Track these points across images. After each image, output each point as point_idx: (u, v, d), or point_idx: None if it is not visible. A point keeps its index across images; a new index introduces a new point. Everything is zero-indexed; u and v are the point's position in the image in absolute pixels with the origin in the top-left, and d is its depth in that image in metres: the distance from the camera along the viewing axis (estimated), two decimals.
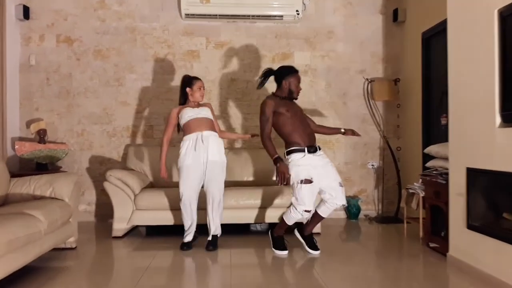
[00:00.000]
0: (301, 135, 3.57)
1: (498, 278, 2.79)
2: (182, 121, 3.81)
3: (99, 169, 5.08)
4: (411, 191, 4.11)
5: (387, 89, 5.12)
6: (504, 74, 2.74)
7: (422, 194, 3.94)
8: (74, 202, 3.71)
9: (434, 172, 3.77)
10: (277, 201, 4.20)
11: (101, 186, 4.96)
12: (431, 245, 3.79)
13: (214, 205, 3.73)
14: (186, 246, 3.74)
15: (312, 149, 3.57)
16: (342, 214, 5.23)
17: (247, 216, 4.23)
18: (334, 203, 3.55)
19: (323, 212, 3.66)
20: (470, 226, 3.14)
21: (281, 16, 5.07)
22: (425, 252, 3.78)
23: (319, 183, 3.51)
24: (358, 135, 3.93)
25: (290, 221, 3.64)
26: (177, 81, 5.11)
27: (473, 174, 3.10)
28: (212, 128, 3.82)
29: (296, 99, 3.74)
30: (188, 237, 3.78)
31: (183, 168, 3.70)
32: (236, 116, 5.21)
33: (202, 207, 3.83)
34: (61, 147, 4.87)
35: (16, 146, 4.65)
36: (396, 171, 5.14)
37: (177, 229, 4.14)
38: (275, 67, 5.15)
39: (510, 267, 2.70)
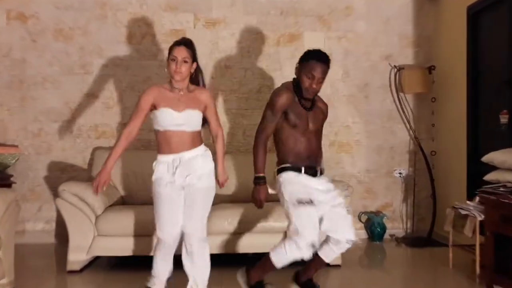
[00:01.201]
0: (301, 157, 2.57)
1: None
2: (156, 125, 2.56)
3: (60, 178, 4.04)
4: (463, 212, 3.11)
5: (419, 79, 4.11)
6: None
7: (480, 217, 2.94)
8: (7, 230, 2.69)
9: (501, 189, 2.76)
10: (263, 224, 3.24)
11: None
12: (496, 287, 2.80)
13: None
14: None
15: (311, 171, 2.57)
16: (363, 234, 4.22)
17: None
18: (339, 238, 2.55)
19: (326, 254, 2.63)
20: None
21: None
22: None
23: (319, 210, 2.53)
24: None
25: (281, 262, 2.54)
26: (157, 69, 4.11)
27: None
28: (195, 144, 2.56)
29: (309, 98, 2.61)
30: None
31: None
32: (230, 112, 4.19)
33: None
34: (10, 150, 3.84)
35: None
36: (430, 180, 4.14)
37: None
38: (281, 51, 4.25)
39: None
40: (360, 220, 4.22)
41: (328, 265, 2.92)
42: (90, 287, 3.04)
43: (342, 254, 2.83)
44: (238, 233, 3.28)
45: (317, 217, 2.53)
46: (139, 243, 3.15)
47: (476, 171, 3.45)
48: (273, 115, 2.56)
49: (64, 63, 4.09)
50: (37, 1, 4.05)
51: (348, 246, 2.58)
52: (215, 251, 3.13)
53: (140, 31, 4.13)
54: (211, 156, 2.62)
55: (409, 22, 4.32)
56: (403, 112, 4.26)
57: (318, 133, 2.68)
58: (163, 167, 2.52)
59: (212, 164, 2.61)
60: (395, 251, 3.99)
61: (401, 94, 4.25)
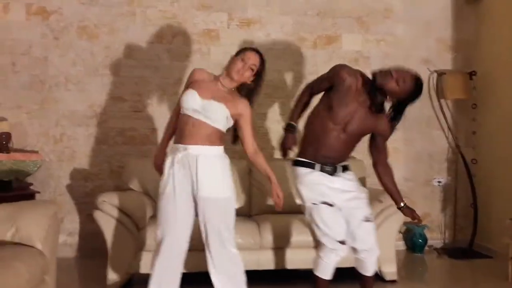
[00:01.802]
0: (320, 149, 2.44)
1: None
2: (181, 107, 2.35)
3: (84, 187, 3.78)
4: None
5: (460, 84, 4.00)
6: None
7: None
8: (51, 247, 2.41)
9: None
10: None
11: (86, 210, 3.70)
12: None
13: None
14: None
15: (328, 168, 2.43)
16: (401, 245, 4.06)
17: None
18: (356, 247, 2.45)
19: (361, 266, 2.52)
20: None
21: None
22: None
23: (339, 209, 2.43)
24: (419, 220, 2.62)
25: (326, 272, 2.44)
26: (189, 70, 3.86)
27: None
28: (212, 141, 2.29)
29: (380, 86, 2.41)
30: None
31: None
32: (265, 118, 3.99)
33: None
34: (32, 157, 3.54)
35: None
36: (471, 189, 4.01)
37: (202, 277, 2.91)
38: (317, 53, 4.07)
39: None
40: (400, 231, 4.06)
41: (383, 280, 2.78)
42: None
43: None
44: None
45: (343, 216, 2.42)
46: (188, 257, 2.89)
47: None
48: (325, 77, 2.55)
49: (89, 63, 3.80)
50: None
51: (372, 254, 2.45)
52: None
53: (171, 30, 3.88)
54: (227, 163, 2.33)
55: (448, 26, 4.20)
56: (445, 118, 4.13)
57: (355, 139, 2.51)
58: (170, 161, 2.30)
59: (228, 171, 2.33)
60: (437, 263, 3.85)
61: (441, 100, 4.12)
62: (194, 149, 2.24)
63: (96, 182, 3.79)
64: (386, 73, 2.39)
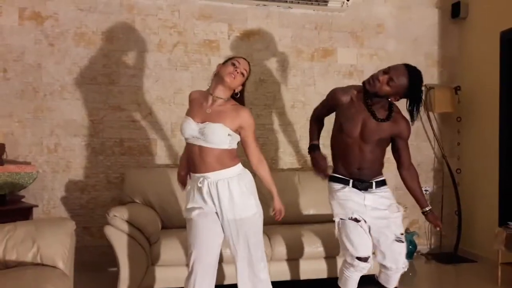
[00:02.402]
0: (349, 163, 2.53)
1: None
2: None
3: (79, 199, 3.66)
4: None
5: (447, 99, 4.23)
6: None
7: None
8: (70, 267, 2.34)
9: None
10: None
11: (82, 223, 3.59)
12: None
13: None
14: None
15: (362, 185, 2.52)
16: None
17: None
18: (385, 264, 2.54)
19: (385, 280, 2.63)
20: None
21: (325, 2, 3.97)
22: None
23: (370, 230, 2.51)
24: (440, 229, 2.73)
25: (346, 284, 2.54)
26: (189, 80, 3.86)
27: None
28: (223, 164, 2.27)
29: (374, 93, 2.42)
30: None
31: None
32: (264, 128, 4.03)
33: None
34: (26, 169, 3.37)
35: None
36: (456, 198, 4.25)
37: None
38: (315, 66, 4.16)
39: None
40: None
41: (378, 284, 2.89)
42: None
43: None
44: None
45: (370, 234, 2.49)
46: None
47: (510, 192, 3.60)
48: (322, 104, 2.68)
49: (86, 71, 3.69)
50: (56, 0, 3.62)
51: (399, 271, 2.54)
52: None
53: (171, 39, 3.84)
54: (249, 177, 2.35)
55: (434, 42, 4.43)
56: (433, 130, 4.35)
57: (378, 146, 2.54)
58: (191, 188, 2.33)
59: (250, 187, 2.33)
60: (425, 268, 4.04)
61: (429, 113, 4.34)
62: (210, 177, 2.24)
63: (92, 193, 3.68)
64: (372, 79, 2.40)
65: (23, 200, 3.47)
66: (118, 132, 3.74)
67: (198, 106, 2.30)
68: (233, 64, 2.27)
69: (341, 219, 2.48)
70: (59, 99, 3.65)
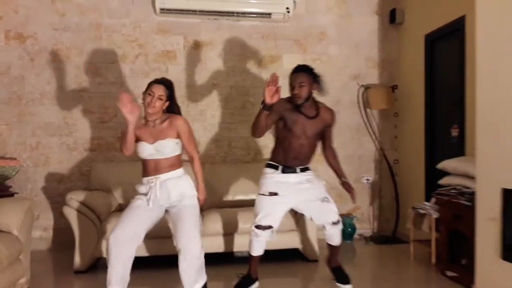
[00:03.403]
0: (287, 158, 3.05)
1: None
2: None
3: (57, 189, 4.33)
4: (421, 211, 3.65)
5: (384, 97, 4.67)
6: None
7: (435, 215, 3.48)
8: (25, 234, 2.98)
9: (453, 191, 3.32)
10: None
11: (59, 208, 4.21)
12: (449, 274, 3.33)
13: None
14: None
15: (289, 170, 3.06)
16: None
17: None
18: (324, 223, 3.08)
19: (329, 238, 3.17)
20: (506, 256, 2.69)
21: (269, 14, 4.52)
22: (440, 281, 3.36)
23: (294, 202, 3.07)
24: (353, 198, 3.20)
25: (251, 249, 3.08)
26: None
27: (510, 197, 2.65)
28: (173, 167, 2.85)
29: (301, 104, 3.02)
30: None
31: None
32: (217, 126, 4.60)
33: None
34: (11, 163, 4.09)
35: None
36: (393, 186, 4.69)
37: (152, 261, 3.49)
38: (262, 71, 4.71)
39: None
40: None
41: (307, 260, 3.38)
42: (95, 286, 3.34)
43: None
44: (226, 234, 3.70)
45: (286, 207, 3.06)
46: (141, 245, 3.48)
47: (433, 177, 4.02)
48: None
49: (61, 81, 4.38)
50: (35, 22, 4.33)
51: (336, 226, 3.09)
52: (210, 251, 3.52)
53: (133, 51, 4.48)
54: (188, 179, 2.87)
55: (375, 46, 4.89)
56: (370, 125, 4.81)
57: (314, 139, 3.09)
58: (143, 188, 2.86)
59: (187, 184, 2.86)
60: (364, 249, 4.47)
61: (368, 110, 4.80)
62: (161, 177, 2.80)
63: (67, 184, 4.35)
64: (295, 96, 2.98)
65: (10, 189, 4.17)
66: (88, 131, 4.40)
67: (144, 132, 2.83)
68: (149, 95, 2.75)
69: (266, 192, 2.99)
70: (39, 105, 4.35)
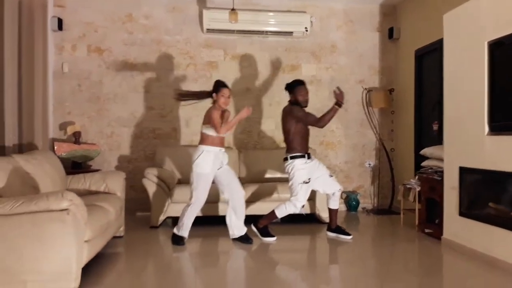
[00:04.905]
0: (305, 144, 4.23)
1: (486, 253, 3.53)
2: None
3: (127, 167, 5.59)
4: (408, 186, 4.84)
5: (383, 97, 5.84)
6: (492, 92, 3.47)
7: (418, 188, 4.67)
8: (123, 196, 4.24)
9: (430, 170, 4.50)
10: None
11: (129, 182, 5.46)
12: (426, 231, 4.51)
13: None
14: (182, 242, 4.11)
15: (309, 156, 4.24)
16: (343, 207, 5.92)
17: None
18: (333, 192, 4.26)
19: (332, 204, 4.36)
20: (462, 214, 3.87)
21: (291, 32, 5.71)
22: (421, 237, 4.50)
23: (314, 183, 4.20)
24: (340, 95, 4.17)
25: (281, 215, 4.20)
26: (196, 88, 5.68)
27: (464, 172, 3.83)
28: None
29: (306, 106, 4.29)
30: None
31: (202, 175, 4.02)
32: (250, 120, 5.81)
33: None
34: (94, 147, 5.36)
35: (56, 147, 5.11)
36: (390, 169, 5.88)
37: (204, 220, 4.72)
38: (285, 76, 5.91)
39: (496, 244, 3.44)
40: (341, 197, 5.91)
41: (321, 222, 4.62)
42: (165, 237, 4.55)
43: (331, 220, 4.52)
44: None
45: (311, 188, 4.20)
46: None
47: (419, 161, 5.19)
48: (306, 114, 4.19)
49: (130, 84, 5.62)
50: (110, 39, 5.57)
51: (339, 193, 4.30)
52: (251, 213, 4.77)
53: (185, 62, 5.71)
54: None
55: (376, 57, 6.07)
56: (371, 121, 6.00)
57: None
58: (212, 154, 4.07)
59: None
60: (366, 219, 5.64)
61: (370, 108, 5.98)
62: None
63: (135, 164, 5.61)
64: (306, 101, 4.31)
65: (91, 167, 5.43)
66: (151, 123, 5.65)
67: (221, 117, 4.11)
68: (223, 96, 4.03)
69: (305, 181, 4.11)
70: (113, 103, 5.60)
